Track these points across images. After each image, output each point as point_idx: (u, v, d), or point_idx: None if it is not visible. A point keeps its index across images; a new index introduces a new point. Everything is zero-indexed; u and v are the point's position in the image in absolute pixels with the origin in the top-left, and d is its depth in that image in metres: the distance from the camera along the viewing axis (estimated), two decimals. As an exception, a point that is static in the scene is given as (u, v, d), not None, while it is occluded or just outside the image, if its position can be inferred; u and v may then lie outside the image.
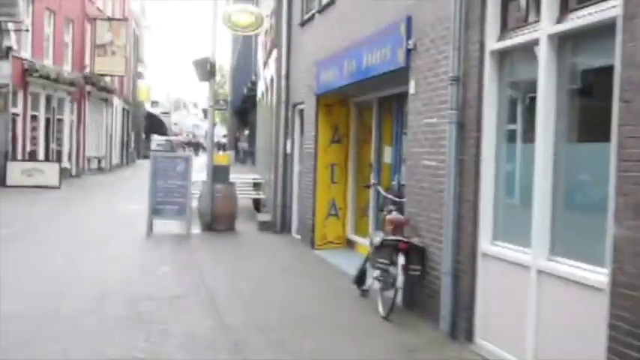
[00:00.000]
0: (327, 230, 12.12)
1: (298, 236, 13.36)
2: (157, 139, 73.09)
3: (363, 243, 11.50)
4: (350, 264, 10.55)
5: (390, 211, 7.96)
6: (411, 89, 7.85)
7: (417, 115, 7.71)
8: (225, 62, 68.79)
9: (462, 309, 6.47)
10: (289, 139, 13.97)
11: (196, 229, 13.92)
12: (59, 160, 27.54)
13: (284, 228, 14.07)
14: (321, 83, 11.53)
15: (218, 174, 14.20)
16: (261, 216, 15.27)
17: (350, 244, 12.05)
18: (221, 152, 46.64)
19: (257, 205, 17.29)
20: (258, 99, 21.50)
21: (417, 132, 7.67)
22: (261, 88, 20.21)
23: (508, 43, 6.01)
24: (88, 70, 32.21)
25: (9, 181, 23.56)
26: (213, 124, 14.35)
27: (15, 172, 23.79)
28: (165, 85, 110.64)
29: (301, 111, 13.54)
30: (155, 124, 64.41)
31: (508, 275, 5.84)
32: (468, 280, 6.37)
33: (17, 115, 25.04)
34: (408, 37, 7.83)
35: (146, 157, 60.63)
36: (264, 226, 14.39)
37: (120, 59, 33.33)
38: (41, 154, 26.98)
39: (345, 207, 12.18)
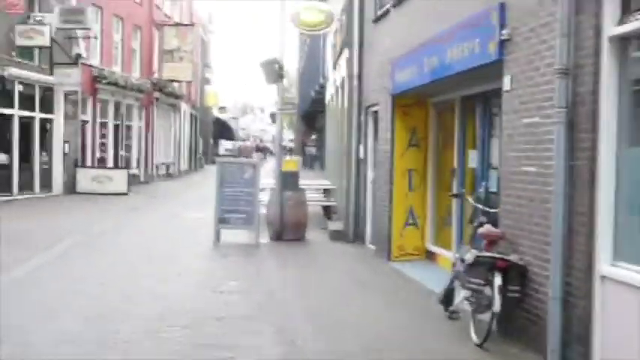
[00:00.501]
0: (405, 241, 11.26)
1: (372, 247, 12.55)
2: (224, 144, 73.72)
3: (444, 255, 10.62)
4: (431, 278, 9.69)
5: (481, 224, 7.06)
6: (506, 85, 6.93)
7: (513, 114, 6.79)
8: (292, 66, 68.70)
9: (574, 341, 5.53)
10: (362, 144, 13.17)
11: (265, 239, 13.27)
12: (127, 166, 27.47)
13: (357, 237, 13.28)
14: (397, 83, 10.69)
15: (287, 181, 13.50)
16: (333, 224, 14.51)
17: (429, 255, 11.16)
18: (288, 157, 46.30)
19: (327, 212, 16.55)
20: (327, 102, 20.79)
21: (514, 134, 6.76)
22: (330, 90, 19.49)
23: (632, 26, 5.06)
24: (155, 76, 32.16)
25: (79, 187, 23.55)
26: (281, 129, 13.66)
27: (84, 178, 23.79)
28: (232, 91, 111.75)
29: (375, 113, 12.73)
30: (223, 130, 64.68)
31: (634, 303, 4.89)
32: (583, 307, 5.43)
33: (87, 122, 25.06)
34: (502, 26, 6.92)
35: (214, 162, 61.26)
36: (336, 236, 13.62)
37: (187, 65, 33.17)
38: (110, 161, 26.96)
39: (424, 216, 11.29)
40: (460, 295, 7.07)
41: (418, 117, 11.26)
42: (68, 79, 22.40)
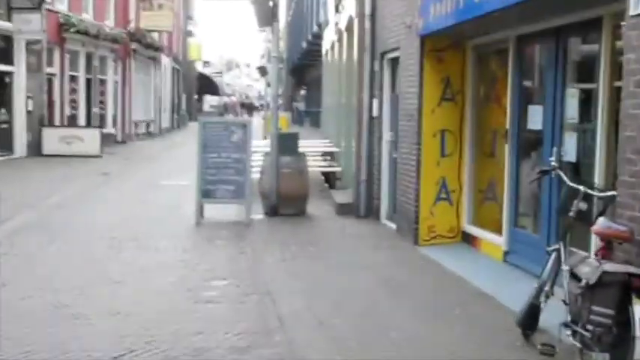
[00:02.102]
0: (436, 220, 8.96)
1: (391, 224, 10.26)
2: (209, 100, 70.78)
3: (487, 238, 8.37)
4: (477, 272, 7.47)
5: (593, 216, 4.75)
6: (633, 9, 4.56)
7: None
8: (280, 18, 65.47)
9: None
10: (376, 98, 10.77)
11: (258, 214, 10.95)
12: (102, 125, 24.90)
13: (369, 212, 10.97)
14: (431, 19, 8.25)
15: (284, 144, 11.13)
16: (338, 195, 12.18)
17: (466, 238, 8.89)
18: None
19: (328, 179, 14.21)
20: (325, 51, 18.31)
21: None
22: (329, 37, 17.00)
23: None
24: (132, 25, 29.36)
25: (45, 149, 21.04)
26: (276, 81, 11.20)
27: (52, 139, 21.24)
28: (216, 45, 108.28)
29: (393, 61, 10.31)
30: (207, 85, 61.80)
31: None
32: None
33: (54, 75, 22.41)
34: None
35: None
36: (344, 210, 11.30)
37: (167, 13, 30.46)
38: (82, 119, 24.39)
39: (459, 189, 8.98)
40: (562, 322, 4.79)
41: (453, 64, 8.86)
42: (29, 26, 19.70)
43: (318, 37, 25.68)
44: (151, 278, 7.23)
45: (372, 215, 10.92)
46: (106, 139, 23.84)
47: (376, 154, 10.85)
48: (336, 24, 14.61)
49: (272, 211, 11.01)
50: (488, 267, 7.83)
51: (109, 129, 26.60)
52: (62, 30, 22.40)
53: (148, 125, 33.08)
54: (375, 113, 10.80)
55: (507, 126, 7.79)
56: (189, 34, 51.45)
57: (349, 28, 12.97)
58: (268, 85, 56.39)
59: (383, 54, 10.56)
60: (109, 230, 9.68)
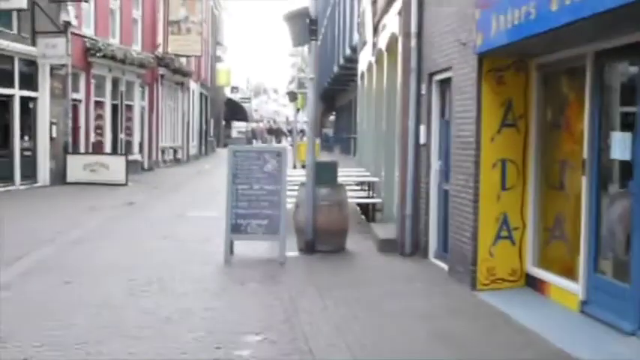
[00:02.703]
0: (496, 261, 7.90)
1: (441, 264, 9.21)
2: (237, 126, 70.24)
3: (556, 283, 7.29)
4: (552, 326, 6.43)
5: None
6: None
7: None
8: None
9: None
10: (423, 125, 9.78)
11: (292, 251, 9.97)
12: (128, 152, 24.20)
13: (416, 249, 9.93)
14: (492, 34, 7.27)
15: (322, 173, 10.16)
16: (380, 230, 11.15)
17: (531, 282, 7.81)
18: (305, 139, 42.89)
19: (366, 211, 13.19)
20: (360, 73, 17.41)
21: None
22: (365, 59, 16.09)
23: None
24: (160, 50, 28.79)
25: (69, 177, 20.35)
26: (315, 103, 10.20)
27: (76, 167, 20.55)
28: (244, 71, 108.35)
29: (442, 83, 9.34)
30: (235, 111, 61.30)
31: None
32: None
33: (79, 101, 21.79)
34: None
35: (227, 145, 57.90)
36: (387, 246, 10.27)
37: (195, 37, 29.79)
38: (108, 146, 23.69)
39: (523, 226, 7.92)
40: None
41: (515, 85, 7.86)
42: (54, 51, 19.09)
43: (351, 60, 24.86)
44: (174, 332, 6.25)
45: (419, 253, 9.88)
46: (132, 167, 23.14)
47: (423, 185, 9.83)
48: (374, 45, 13.69)
49: (308, 248, 10.03)
50: (563, 319, 6.75)
51: (136, 156, 25.92)
52: (88, 54, 21.81)
53: (175, 152, 32.40)
54: (422, 140, 9.81)
55: (585, 155, 6.74)
56: (217, 59, 51.04)
57: (390, 48, 12.04)
58: (297, 110, 55.87)
59: (431, 75, 9.59)
60: (129, 270, 8.75)
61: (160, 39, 28.92)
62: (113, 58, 23.07)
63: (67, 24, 19.99)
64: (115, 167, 20.88)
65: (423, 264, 9.49)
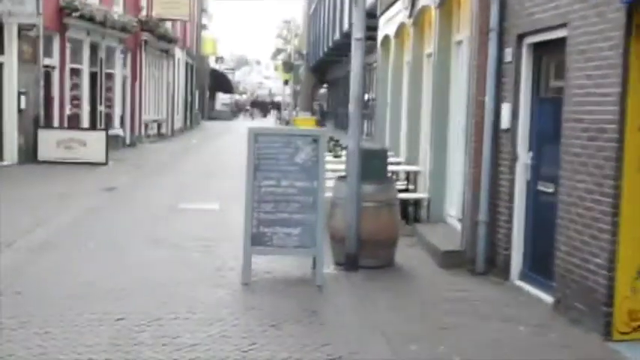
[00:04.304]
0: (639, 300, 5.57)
1: (532, 289, 6.88)
2: (222, 98, 67.29)
3: None
4: None
5: None
6: None
7: None
8: (297, 11, 61.91)
9: None
10: (506, 103, 7.36)
11: (328, 266, 7.57)
12: (108, 126, 21.55)
13: (492, 265, 7.57)
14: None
15: (368, 164, 7.70)
16: (433, 235, 8.75)
17: (689, 331, 5.48)
18: (299, 112, 40.30)
19: (404, 208, 10.74)
20: (382, 39, 14.91)
21: None
22: (394, 21, 13.58)
23: None
24: (144, 13, 25.98)
25: (41, 154, 17.71)
26: (361, 66, 7.62)
27: (49, 143, 17.91)
28: (228, 41, 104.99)
29: (540, 46, 6.92)
30: (220, 82, 58.43)
31: None
32: None
33: (52, 68, 19.06)
34: None
35: (211, 117, 55.16)
36: (450, 260, 7.89)
37: (184, 0, 26.98)
38: (85, 120, 21.01)
39: (679, 252, 5.57)
40: None
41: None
42: (21, 8, 16.35)
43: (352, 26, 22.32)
44: None
45: (496, 271, 7.51)
46: (113, 143, 20.52)
47: (504, 183, 7.43)
48: (413, 2, 11.18)
49: (350, 263, 7.62)
50: None
51: (117, 130, 23.26)
52: (63, 15, 19.05)
53: (159, 126, 29.74)
54: (504, 124, 7.38)
55: None
56: (203, 27, 48.14)
57: (446, 4, 9.55)
58: (286, 82, 53.15)
59: (521, 37, 7.14)
60: (113, 301, 6.28)
61: (143, 1, 26.10)
62: (92, 19, 20.30)
63: (38, -22, 17.22)
64: (93, 144, 18.27)
65: (507, 289, 7.12)
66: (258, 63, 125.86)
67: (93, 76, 21.67)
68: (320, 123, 37.63)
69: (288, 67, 48.80)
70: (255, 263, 7.20)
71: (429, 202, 9.85)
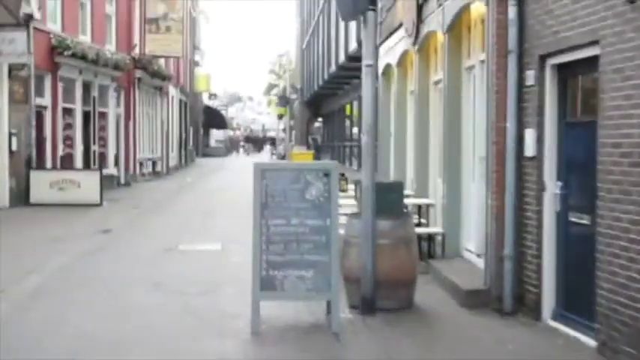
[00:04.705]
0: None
1: (568, 330, 6.32)
2: (215, 135, 66.90)
3: None
4: None
5: None
6: None
7: None
8: (290, 44, 61.88)
9: None
10: (530, 129, 6.87)
11: (343, 310, 6.99)
12: (102, 166, 21.03)
13: (520, 303, 7.01)
14: None
15: (383, 198, 7.17)
16: (452, 272, 8.18)
17: None
18: (296, 148, 39.86)
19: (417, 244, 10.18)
20: (384, 67, 14.49)
21: None
22: (396, 49, 13.16)
23: None
24: (136, 50, 25.65)
25: (33, 197, 17.13)
26: (373, 96, 7.08)
27: (41, 185, 17.35)
28: (220, 78, 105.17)
29: (566, 67, 6.46)
30: (214, 118, 58.10)
31: None
32: None
33: (44, 108, 18.58)
34: None
35: (205, 154, 54.65)
36: (473, 300, 7.33)
37: (176, 37, 26.72)
38: (79, 160, 20.48)
39: None
40: None
41: None
42: (12, 47, 15.95)
43: (355, 58, 22.04)
44: None
45: (525, 311, 6.95)
46: (107, 182, 19.99)
47: (531, 214, 6.90)
48: (417, 29, 10.75)
49: (366, 306, 7.04)
50: None
51: (111, 170, 22.74)
52: (55, 53, 18.62)
53: (154, 164, 29.21)
54: (529, 152, 6.89)
55: None
56: (195, 64, 47.91)
57: (456, 28, 9.13)
58: (281, 117, 52.80)
59: (544, 58, 6.68)
60: (112, 355, 5.70)
61: (136, 38, 25.77)
62: (84, 57, 19.90)
63: (29, 17, 16.82)
64: (87, 184, 17.71)
65: (541, 331, 6.55)
66: (251, 99, 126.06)
67: (86, 115, 21.20)
68: (316, 157, 37.22)
69: (283, 101, 48.55)
70: (263, 307, 6.62)
71: (444, 236, 9.30)
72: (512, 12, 6.94)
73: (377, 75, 15.84)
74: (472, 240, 8.92)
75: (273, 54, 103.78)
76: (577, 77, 6.45)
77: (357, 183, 7.56)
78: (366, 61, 7.06)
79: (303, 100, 46.02)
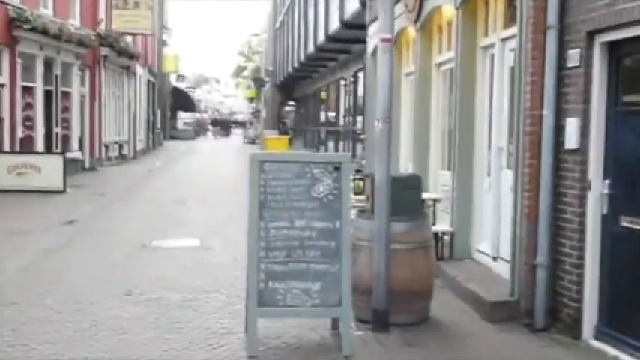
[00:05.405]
0: None
1: (614, 351, 5.41)
2: (183, 118, 65.21)
3: None
4: None
5: None
6: None
7: None
8: (261, 24, 60.31)
9: None
10: (573, 118, 5.90)
11: (351, 325, 5.99)
12: (65, 149, 19.70)
13: (554, 318, 6.09)
14: None
15: (398, 196, 6.15)
16: (469, 279, 7.23)
17: None
18: (267, 132, 38.63)
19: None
20: (373, 50, 13.46)
21: None
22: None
23: None
24: (103, 26, 24.20)
25: (-10, 183, 15.82)
26: (389, 74, 6.00)
27: (0, 170, 16.02)
28: (188, 58, 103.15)
29: (619, 45, 5.50)
30: (182, 101, 56.51)
31: None
32: None
33: (2, 86, 17.19)
34: None
35: (173, 137, 53.06)
36: (499, 312, 6.39)
37: (145, 13, 25.26)
38: (40, 143, 19.11)
39: None
40: None
41: None
42: (-34, 18, 14.56)
43: (334, 39, 21.03)
44: None
45: (560, 327, 6.03)
46: (71, 167, 18.68)
47: (571, 217, 5.95)
48: (420, 5, 9.72)
49: (378, 321, 6.05)
50: None
51: (75, 153, 21.35)
52: (13, 27, 17.18)
53: (121, 147, 27.83)
54: (570, 144, 5.92)
55: None
56: (163, 43, 46.28)
57: (469, 1, 8.12)
58: (251, 99, 51.44)
59: (592, 34, 5.71)
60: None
61: (102, 13, 24.32)
62: (45, 32, 18.47)
63: (-15, -14, 15.46)
64: (49, 169, 16.41)
65: (583, 352, 5.62)
66: (218, 81, 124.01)
67: (48, 95, 19.80)
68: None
69: (258, 83, 47.20)
70: (259, 322, 5.58)
71: (453, 235, 8.34)
72: (551, -17, 5.95)
73: (358, 58, 14.88)
74: (485, 240, 7.99)
75: (241, 35, 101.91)
76: (634, 57, 5.50)
77: (367, 177, 6.54)
78: (383, 33, 6.01)
79: (275, 82, 44.76)
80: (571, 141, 5.91)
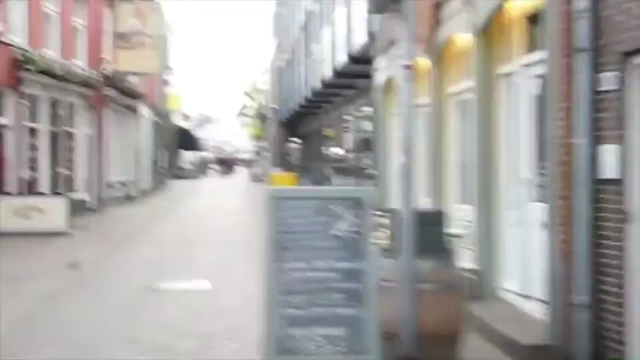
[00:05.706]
0: None
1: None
2: (187, 156, 65.05)
3: None
4: None
5: None
6: None
7: None
8: (265, 62, 60.43)
9: None
10: (609, 145, 5.52)
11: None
12: (69, 190, 19.39)
13: (596, 363, 5.63)
14: None
15: (422, 232, 5.75)
16: (507, 325, 6.78)
17: None
18: (275, 170, 38.41)
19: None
20: (384, 85, 13.16)
21: None
22: (390, 69, 11.88)
23: None
24: (107, 67, 24.07)
25: (-6, 225, 15.43)
26: (412, 109, 5.64)
27: (2, 212, 15.67)
28: (191, 98, 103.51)
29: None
30: (187, 140, 56.33)
31: None
32: None
33: (6, 127, 16.94)
34: None
35: (177, 176, 52.86)
36: (536, 358, 5.93)
37: (151, 53, 25.16)
38: (44, 184, 18.80)
39: None
40: None
41: None
42: (-31, 60, 14.36)
43: (342, 74, 20.81)
44: None
45: (606, 371, 5.57)
46: (76, 208, 18.30)
47: (612, 252, 5.53)
48: (430, 36, 9.42)
49: (404, 367, 5.61)
50: None
51: (79, 194, 21.05)
52: (18, 68, 17.01)
53: (125, 187, 27.51)
54: (608, 173, 5.53)
55: None
56: (166, 83, 46.32)
57: (487, 28, 7.81)
58: (257, 138, 51.32)
59: (627, 56, 5.36)
60: None
61: (107, 53, 24.19)
62: (50, 74, 18.33)
63: (-12, 27, 15.32)
64: (52, 211, 16.11)
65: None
66: (222, 120, 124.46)
67: (53, 136, 19.58)
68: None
69: (261, 118, 47.07)
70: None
71: (478, 274, 7.90)
72: (583, 0, 5.61)
73: (365, 93, 14.61)
74: (512, 278, 7.55)
75: (245, 74, 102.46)
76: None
77: (388, 212, 6.15)
78: (404, 60, 5.66)
79: (280, 120, 44.64)
80: (608, 170, 5.52)
